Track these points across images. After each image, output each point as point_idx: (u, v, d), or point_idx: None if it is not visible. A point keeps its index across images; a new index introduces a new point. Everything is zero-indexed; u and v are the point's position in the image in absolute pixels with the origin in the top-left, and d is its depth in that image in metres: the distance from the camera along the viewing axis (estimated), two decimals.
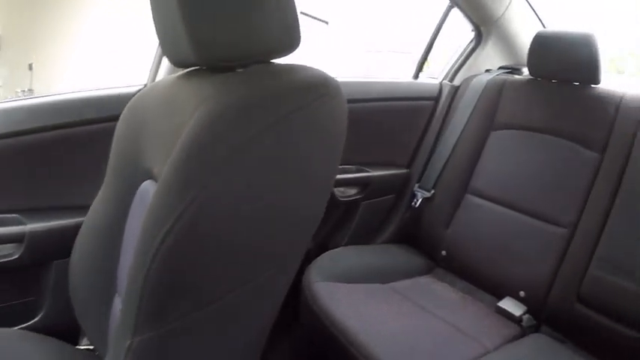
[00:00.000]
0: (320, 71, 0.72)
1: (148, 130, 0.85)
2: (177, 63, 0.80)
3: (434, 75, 1.92)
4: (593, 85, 1.49)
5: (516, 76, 1.72)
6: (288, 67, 0.72)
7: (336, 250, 1.55)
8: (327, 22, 11.72)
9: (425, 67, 1.89)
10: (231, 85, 0.69)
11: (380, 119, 1.69)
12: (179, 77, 0.85)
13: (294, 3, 0.73)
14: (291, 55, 0.75)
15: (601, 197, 1.34)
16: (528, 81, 1.62)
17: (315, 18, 11.39)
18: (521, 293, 1.40)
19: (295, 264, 0.75)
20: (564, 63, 1.50)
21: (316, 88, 0.68)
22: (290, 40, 0.74)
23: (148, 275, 0.60)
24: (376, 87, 1.68)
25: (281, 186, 0.65)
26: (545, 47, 1.53)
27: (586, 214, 1.35)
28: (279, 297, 0.74)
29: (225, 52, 0.70)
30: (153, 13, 0.79)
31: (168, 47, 0.79)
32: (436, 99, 1.80)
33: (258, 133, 0.62)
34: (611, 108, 1.41)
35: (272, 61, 0.75)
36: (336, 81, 0.72)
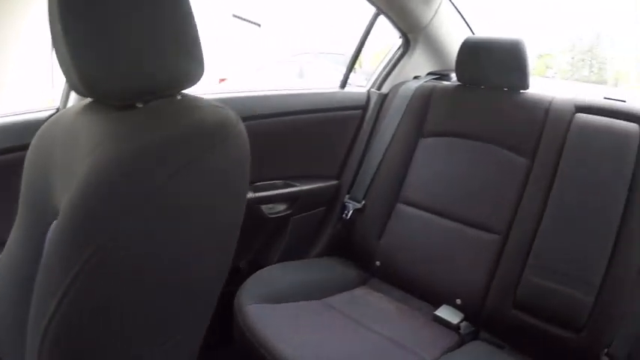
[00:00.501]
0: (222, 110, 0.67)
1: (55, 162, 0.77)
2: (77, 92, 0.72)
3: (368, 74, 1.89)
4: (522, 91, 1.50)
5: (445, 83, 1.72)
6: (191, 105, 0.67)
7: (267, 268, 1.48)
8: (259, 25, 11.63)
9: (357, 66, 1.85)
10: (129, 125, 0.64)
11: (307, 132, 1.64)
12: (85, 106, 0.78)
13: (196, 32, 0.68)
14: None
15: (532, 203, 1.35)
16: (457, 87, 1.61)
17: (247, 21, 11.27)
18: (458, 301, 1.39)
19: (205, 318, 0.68)
20: (492, 69, 1.50)
21: (219, 130, 0.64)
22: (192, 72, 0.69)
23: (42, 348, 0.54)
24: (302, 99, 1.63)
25: (184, 239, 0.60)
26: (473, 54, 1.53)
27: (518, 221, 1.36)
28: (195, 345, 0.68)
29: (118, 88, 0.64)
30: (51, 40, 0.72)
31: (67, 75, 0.71)
32: (364, 108, 1.76)
33: (158, 185, 0.56)
34: (540, 113, 1.42)
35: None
36: (237, 119, 0.68)
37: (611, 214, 1.25)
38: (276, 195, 1.59)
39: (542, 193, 1.34)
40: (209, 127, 0.64)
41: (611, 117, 1.35)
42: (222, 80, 7.89)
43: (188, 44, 0.67)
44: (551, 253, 1.28)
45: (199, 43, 0.68)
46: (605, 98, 1.44)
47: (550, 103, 1.43)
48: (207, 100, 0.69)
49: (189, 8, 0.67)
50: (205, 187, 0.61)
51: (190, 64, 0.68)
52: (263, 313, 1.26)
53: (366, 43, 1.78)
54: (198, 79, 0.70)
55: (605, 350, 1.20)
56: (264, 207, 1.56)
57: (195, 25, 0.68)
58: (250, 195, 1.50)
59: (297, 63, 7.18)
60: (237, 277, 1.40)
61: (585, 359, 1.23)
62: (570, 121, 1.37)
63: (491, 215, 1.40)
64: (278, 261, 1.58)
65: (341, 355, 1.16)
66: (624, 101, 1.42)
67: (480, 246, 1.39)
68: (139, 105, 0.68)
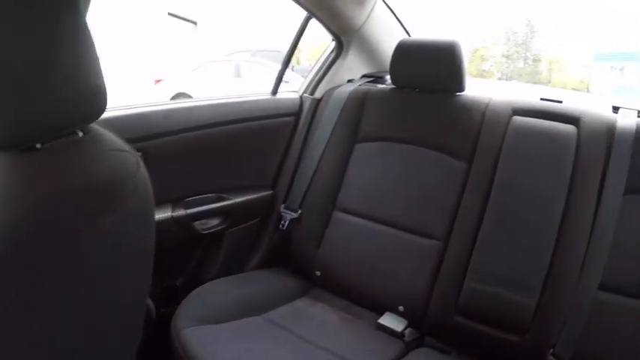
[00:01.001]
0: (122, 157, 0.64)
1: None
2: None
3: (305, 71, 1.83)
4: (458, 94, 1.49)
5: (380, 86, 1.69)
6: (91, 151, 0.63)
7: (205, 285, 1.41)
8: (195, 23, 11.36)
9: (294, 63, 1.79)
10: (28, 171, 0.59)
11: (238, 142, 1.57)
12: None
13: (96, 58, 0.61)
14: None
15: (471, 208, 1.34)
16: (392, 91, 1.59)
17: (183, 19, 10.98)
18: (401, 308, 1.38)
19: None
20: (427, 72, 1.49)
21: (116, 185, 0.61)
22: (94, 104, 0.63)
23: None
24: (232, 108, 1.56)
25: (89, 301, 0.58)
26: (407, 56, 1.51)
27: (457, 226, 1.35)
28: None
29: (9, 129, 0.58)
30: None
31: None
32: (297, 114, 1.71)
33: (60, 244, 0.54)
34: (477, 116, 1.42)
35: None
36: (138, 163, 0.65)
37: (550, 217, 1.26)
38: (209, 210, 1.51)
39: (480, 197, 1.33)
40: (106, 182, 0.60)
41: (548, 119, 1.36)
42: (158, 81, 7.65)
43: (88, 73, 0.60)
44: (491, 258, 1.28)
45: (100, 71, 0.62)
46: (542, 99, 1.46)
47: (487, 105, 1.43)
48: (111, 139, 0.64)
49: (88, 30, 0.60)
50: (106, 247, 0.58)
51: (91, 96, 0.61)
52: (202, 336, 1.19)
53: (299, 45, 1.73)
54: (101, 112, 0.64)
55: (551, 351, 1.21)
56: (197, 223, 1.49)
57: (94, 51, 0.61)
58: (182, 212, 1.43)
59: (233, 62, 7.06)
60: (175, 296, 1.33)
61: (531, 359, 1.24)
62: (507, 124, 1.37)
63: (431, 221, 1.39)
64: (216, 277, 1.50)
65: None
66: (561, 102, 1.44)
67: (421, 252, 1.38)
68: (38, 146, 0.61)
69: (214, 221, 1.54)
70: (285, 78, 1.72)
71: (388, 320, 1.36)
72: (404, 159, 1.48)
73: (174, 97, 6.48)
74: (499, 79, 12.08)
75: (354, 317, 1.42)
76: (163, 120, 1.37)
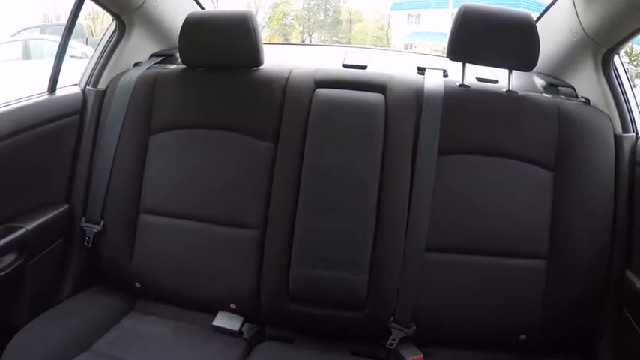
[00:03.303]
0: None
1: None
2: None
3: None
4: (255, 68, 1.40)
5: (170, 67, 1.53)
6: None
7: (18, 335, 1.20)
8: None
9: (89, 35, 1.53)
10: None
11: (16, 158, 1.30)
12: None
13: None
14: None
15: (283, 192, 1.30)
16: (183, 71, 1.46)
17: None
18: (232, 305, 1.33)
19: None
20: (219, 47, 1.38)
21: None
22: None
23: None
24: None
25: None
26: (197, 31, 1.38)
27: (272, 213, 1.31)
28: None
29: None
30: None
31: None
32: (81, 112, 1.48)
33: None
34: (278, 92, 1.36)
35: None
36: None
37: (366, 191, 1.27)
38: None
39: (291, 180, 1.30)
40: None
41: (353, 89, 1.34)
42: None
43: None
44: (312, 242, 1.27)
45: None
46: (345, 66, 1.44)
47: (287, 79, 1.37)
48: None
49: None
50: None
51: None
52: None
53: (94, 14, 1.47)
54: None
55: (392, 318, 1.25)
56: None
57: None
58: None
59: (20, 42, 6.15)
60: None
61: (375, 332, 1.28)
62: (311, 99, 1.33)
63: (245, 210, 1.33)
64: (29, 319, 1.29)
65: None
66: (365, 67, 1.43)
67: (241, 244, 1.33)
68: None
69: (9, 258, 1.28)
70: (79, 54, 1.46)
71: (223, 320, 1.31)
72: (206, 147, 1.38)
73: None
74: (301, 32, 12.36)
75: (188, 324, 1.34)
76: None
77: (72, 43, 1.48)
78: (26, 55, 5.92)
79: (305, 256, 1.26)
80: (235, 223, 1.34)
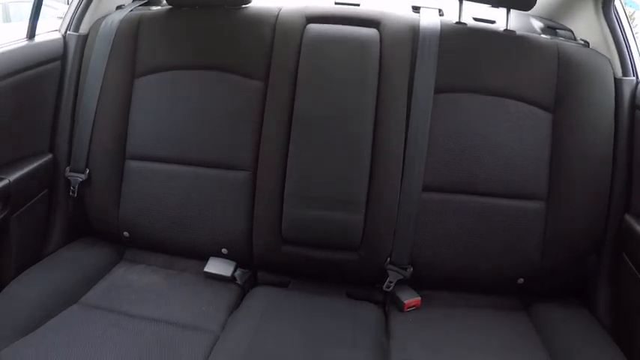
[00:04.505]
0: None
1: None
2: None
3: None
4: (244, 6, 1.35)
5: (154, 8, 1.48)
6: None
7: (5, 290, 1.17)
8: None
9: None
10: None
11: None
12: None
13: None
14: None
15: (274, 131, 1.27)
16: (168, 12, 1.41)
17: None
18: (224, 250, 1.31)
19: None
20: None
21: None
22: None
23: None
24: None
25: None
26: None
27: (263, 152, 1.27)
28: None
29: None
30: None
31: None
32: (62, 58, 1.42)
33: None
34: (267, 29, 1.31)
35: None
36: None
37: (361, 129, 1.23)
38: None
39: (283, 117, 1.26)
40: None
41: (346, 24, 1.30)
42: None
43: None
44: (305, 181, 1.24)
45: None
46: (336, 4, 1.39)
47: (277, 16, 1.32)
48: None
49: None
50: None
51: None
52: (12, 355, 0.99)
53: None
54: None
55: (388, 260, 1.23)
56: None
57: None
58: None
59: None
60: None
61: (372, 274, 1.27)
62: (302, 34, 1.29)
63: (235, 151, 1.30)
64: (15, 274, 1.26)
65: None
66: (358, 4, 1.38)
67: (232, 186, 1.30)
68: None
69: None
70: (61, 14, 1.38)
71: (215, 266, 1.29)
72: (193, 88, 1.34)
73: None
74: None
75: (179, 272, 1.32)
76: None
77: (53, 3, 1.40)
78: (6, 18, 5.73)
79: (298, 195, 1.24)
80: (226, 164, 1.30)
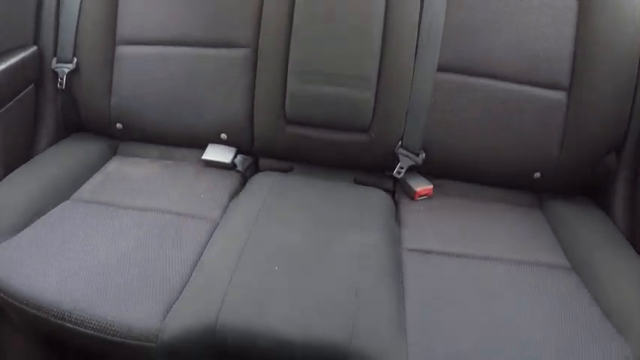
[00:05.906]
0: None
1: None
2: None
3: None
4: None
5: None
6: None
7: None
8: None
9: None
10: None
11: None
12: None
13: None
14: None
15: (276, 3, 1.17)
16: None
17: None
18: (223, 135, 1.24)
19: None
20: None
21: None
22: None
23: None
24: None
25: None
26: None
27: (266, 24, 1.19)
28: None
29: None
30: None
31: None
32: None
33: None
34: None
35: None
36: None
37: (371, 5, 1.13)
38: None
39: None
40: None
41: None
42: None
43: None
44: (310, 54, 1.15)
45: None
46: None
47: None
48: None
49: None
50: None
51: None
52: (7, 256, 0.93)
53: None
54: None
55: (400, 143, 1.16)
56: None
57: None
58: None
59: None
60: None
61: (381, 159, 1.20)
62: None
63: (235, 26, 1.21)
64: (5, 174, 1.19)
65: (109, 270, 0.91)
66: None
67: (231, 66, 1.22)
68: None
69: None
70: None
71: (213, 153, 1.23)
72: None
73: None
74: None
75: (176, 162, 1.26)
76: None
77: None
78: None
79: (302, 70, 1.15)
80: (224, 42, 1.22)
